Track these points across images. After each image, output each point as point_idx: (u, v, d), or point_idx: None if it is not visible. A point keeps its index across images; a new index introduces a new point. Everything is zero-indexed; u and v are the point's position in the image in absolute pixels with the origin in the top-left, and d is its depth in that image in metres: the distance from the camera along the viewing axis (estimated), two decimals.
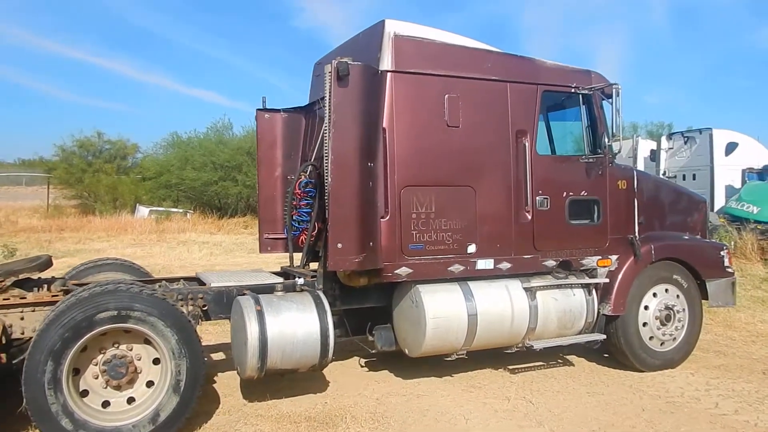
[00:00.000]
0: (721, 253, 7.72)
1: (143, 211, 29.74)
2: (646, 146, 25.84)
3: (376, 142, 6.03)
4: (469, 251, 6.45)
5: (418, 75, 6.27)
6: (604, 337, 7.02)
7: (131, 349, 5.29)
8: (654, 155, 24.95)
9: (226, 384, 6.73)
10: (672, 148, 24.11)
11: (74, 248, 20.83)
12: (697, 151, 22.99)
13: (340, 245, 5.74)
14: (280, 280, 6.54)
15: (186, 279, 6.95)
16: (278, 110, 7.79)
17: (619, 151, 7.07)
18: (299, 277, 6.44)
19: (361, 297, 6.64)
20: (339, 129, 5.70)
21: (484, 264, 6.54)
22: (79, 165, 33.18)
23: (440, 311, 6.26)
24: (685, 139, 23.65)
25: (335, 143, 5.71)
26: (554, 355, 7.66)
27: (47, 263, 6.21)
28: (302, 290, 6.14)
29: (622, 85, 6.68)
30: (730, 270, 7.77)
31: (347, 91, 5.72)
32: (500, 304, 6.53)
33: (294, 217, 6.97)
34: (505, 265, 6.63)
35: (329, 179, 5.73)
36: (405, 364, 6.95)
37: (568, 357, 7.81)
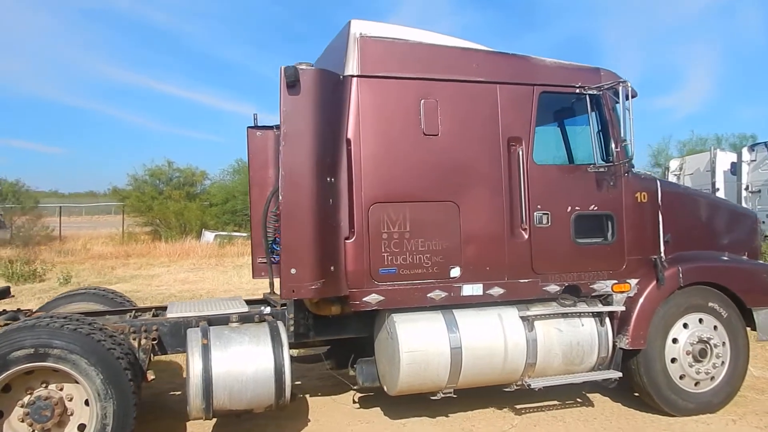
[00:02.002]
0: None
1: (208, 236, 30.28)
2: (725, 159, 23.94)
3: (339, 154, 5.41)
4: (452, 275, 5.67)
5: (389, 79, 5.61)
6: (620, 375, 6.01)
7: (62, 389, 4.85)
8: (734, 168, 23.03)
9: (200, 425, 6.20)
10: (755, 160, 22.13)
11: (132, 274, 21.17)
12: None
13: (293, 271, 5.13)
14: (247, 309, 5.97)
15: (159, 308, 6.51)
16: (271, 127, 7.27)
17: (631, 158, 6.08)
18: (265, 306, 5.86)
19: (338, 327, 5.99)
20: (291, 141, 5.13)
21: (472, 290, 5.73)
22: (149, 193, 34.24)
23: (417, 344, 5.50)
24: None
25: (286, 157, 5.13)
26: (573, 392, 6.68)
27: (4, 293, 5.93)
28: (261, 321, 5.54)
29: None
30: None
31: (299, 99, 5.15)
32: (490, 336, 5.70)
33: (275, 239, 6.41)
34: (496, 291, 5.79)
35: (280, 197, 5.15)
36: (398, 399, 6.15)
37: (589, 395, 6.81)
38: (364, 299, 5.46)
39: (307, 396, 7.08)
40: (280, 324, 5.45)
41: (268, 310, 5.79)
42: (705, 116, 75.22)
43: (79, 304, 6.65)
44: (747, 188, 21.73)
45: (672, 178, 23.99)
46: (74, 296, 6.85)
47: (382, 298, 5.50)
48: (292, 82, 5.07)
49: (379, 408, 6.52)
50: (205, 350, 5.05)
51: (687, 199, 6.75)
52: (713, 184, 22.88)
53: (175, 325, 5.59)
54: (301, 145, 5.15)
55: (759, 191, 21.45)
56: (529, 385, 5.78)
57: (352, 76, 5.52)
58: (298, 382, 7.69)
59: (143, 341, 5.40)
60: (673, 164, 24.72)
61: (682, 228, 6.55)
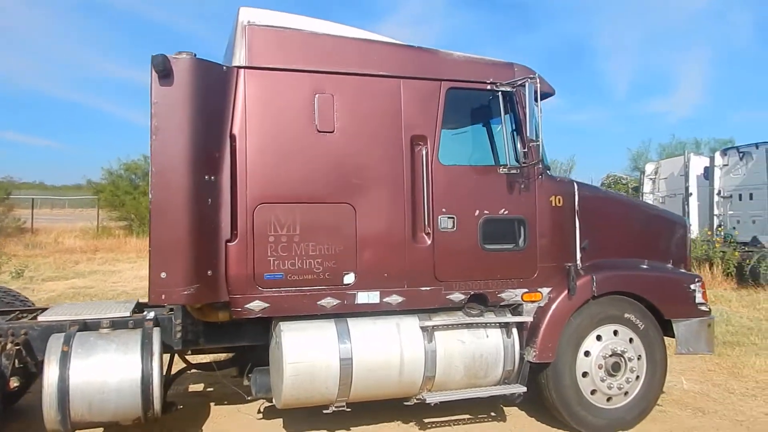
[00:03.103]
0: (692, 286, 6.23)
1: None
2: (699, 163, 23.62)
3: (220, 151, 5.05)
4: (345, 282, 5.32)
5: (280, 71, 5.25)
6: (524, 389, 5.68)
7: None
8: (707, 173, 22.79)
9: None
10: (727, 165, 21.87)
11: (93, 269, 20.73)
12: (753, 168, 20.71)
13: (163, 275, 4.78)
14: (132, 313, 5.60)
15: (45, 310, 6.11)
16: None
17: (542, 160, 5.74)
18: (149, 311, 5.50)
19: (232, 334, 5.64)
20: (162, 136, 4.78)
21: (367, 297, 5.39)
22: (124, 188, 33.71)
23: (302, 355, 5.15)
24: (741, 154, 21.36)
25: (157, 153, 4.78)
26: (489, 405, 6.33)
27: None
28: (137, 327, 5.18)
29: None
30: (704, 308, 6.27)
31: (172, 91, 4.80)
32: (384, 347, 5.35)
33: None
34: (395, 299, 5.45)
35: (150, 195, 4.79)
36: (302, 410, 5.72)
37: (506, 408, 6.48)
38: (246, 306, 5.11)
39: (212, 404, 6.74)
40: (155, 331, 5.09)
41: (152, 314, 5.42)
42: (697, 120, 75.06)
43: None
44: (719, 193, 21.47)
45: (648, 182, 23.72)
46: None
47: (266, 305, 5.14)
48: (163, 72, 4.72)
49: (281, 419, 6.18)
50: (64, 358, 4.69)
51: (609, 204, 6.43)
52: (686, 188, 22.60)
53: (46, 329, 5.21)
54: (174, 140, 4.79)
55: (730, 196, 21.20)
56: (424, 400, 5.44)
57: (239, 67, 5.16)
58: (210, 389, 7.36)
59: (8, 346, 5.03)
60: (649, 168, 24.42)
61: (603, 234, 6.22)
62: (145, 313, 5.48)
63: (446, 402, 5.59)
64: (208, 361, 6.55)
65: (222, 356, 6.84)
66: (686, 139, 40.47)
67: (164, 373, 5.91)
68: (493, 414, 6.33)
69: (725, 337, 10.02)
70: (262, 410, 6.46)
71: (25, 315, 5.89)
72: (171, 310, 5.56)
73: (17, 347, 5.04)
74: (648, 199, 22.43)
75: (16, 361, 5.05)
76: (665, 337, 6.21)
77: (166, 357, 6.03)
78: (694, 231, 20.05)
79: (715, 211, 21.29)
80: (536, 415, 6.30)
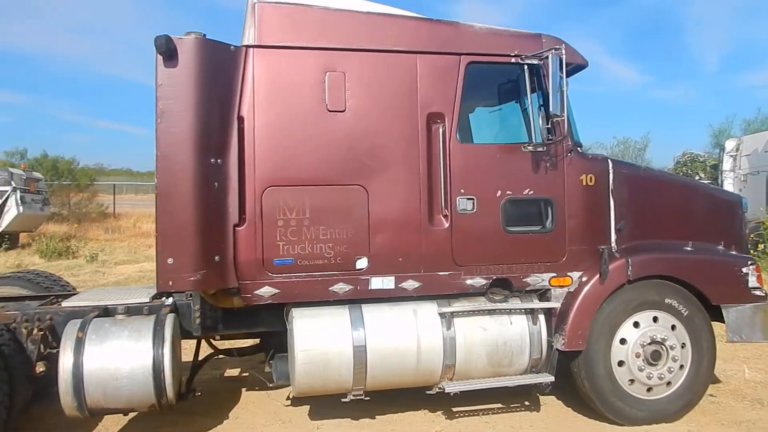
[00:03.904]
0: (744, 269, 5.69)
1: None
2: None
3: (228, 133, 4.96)
4: (358, 267, 5.16)
5: (289, 49, 5.09)
6: (552, 379, 5.36)
7: None
8: None
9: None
10: None
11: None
12: None
13: (170, 260, 4.76)
14: (159, 300, 5.63)
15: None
16: None
17: (564, 137, 5.34)
18: (168, 297, 5.51)
19: (250, 320, 5.60)
20: (167, 118, 4.73)
21: (382, 283, 5.20)
22: None
23: (314, 342, 5.04)
24: None
25: (162, 136, 4.74)
26: (523, 394, 6.04)
27: None
28: (151, 313, 5.20)
29: None
30: (758, 293, 5.72)
31: (177, 73, 4.74)
32: (400, 334, 5.17)
33: None
34: (411, 285, 5.24)
35: (155, 179, 4.76)
36: (328, 399, 5.61)
37: (543, 397, 6.16)
38: (256, 292, 5.03)
39: (244, 390, 6.75)
40: (169, 317, 5.09)
41: (170, 301, 5.43)
42: None
43: (3, 288, 6.48)
44: None
45: (727, 160, 22.18)
46: (2, 279, 6.69)
47: (276, 291, 5.05)
48: (167, 53, 4.65)
49: (308, 407, 6.10)
50: (79, 344, 4.76)
51: (650, 183, 5.93)
52: None
53: (70, 314, 5.30)
54: (180, 122, 4.73)
55: None
56: (443, 390, 5.22)
57: (247, 46, 5.04)
58: (246, 374, 7.39)
59: (34, 331, 5.16)
60: (729, 145, 22.78)
61: (643, 215, 5.78)
62: (163, 299, 5.50)
63: (473, 391, 5.35)
64: (240, 346, 6.53)
65: (250, 342, 6.83)
66: None
67: (192, 359, 6.04)
68: (527, 403, 6.03)
69: None
70: (290, 397, 6.41)
71: (60, 300, 6.04)
72: (190, 296, 5.55)
73: (41, 332, 5.16)
74: (728, 177, 21.01)
75: (41, 346, 5.18)
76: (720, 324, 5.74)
77: (193, 343, 6.12)
78: None
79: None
80: (573, 405, 5.96)
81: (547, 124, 5.25)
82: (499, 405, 5.97)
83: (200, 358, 6.14)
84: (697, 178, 25.65)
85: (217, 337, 6.13)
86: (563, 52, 5.15)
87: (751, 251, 15.74)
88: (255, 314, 5.51)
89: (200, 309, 5.47)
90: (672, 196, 5.99)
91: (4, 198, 20.58)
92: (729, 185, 20.60)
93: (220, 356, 6.40)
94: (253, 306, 5.23)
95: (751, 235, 16.03)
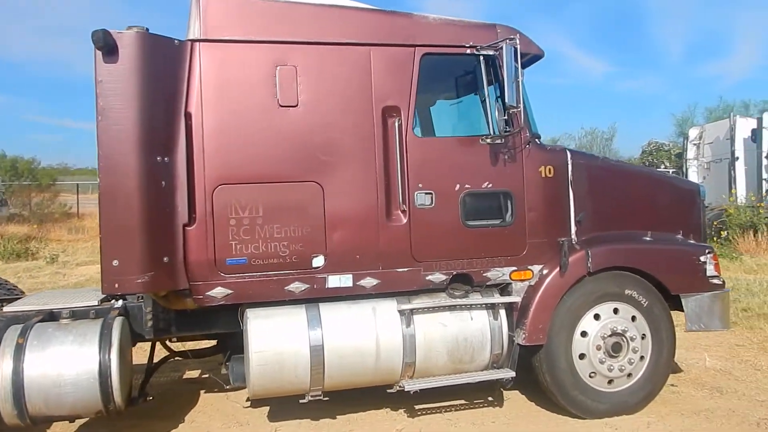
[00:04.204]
0: (702, 258, 5.71)
1: None
2: (746, 125, 22.26)
3: (175, 131, 4.77)
4: (314, 265, 5.02)
5: (237, 43, 4.93)
6: (512, 374, 5.30)
7: None
8: (755, 135, 21.51)
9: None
10: None
11: None
12: None
13: (115, 262, 4.57)
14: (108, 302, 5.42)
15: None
16: None
17: (521, 129, 5.26)
18: (118, 299, 5.31)
19: (206, 322, 5.43)
20: (108, 116, 4.53)
21: (339, 281, 5.08)
22: None
23: (269, 343, 4.90)
24: None
25: (103, 135, 4.54)
26: (487, 390, 5.98)
27: None
28: (98, 316, 5.00)
29: None
30: (716, 281, 5.75)
31: (117, 69, 4.53)
32: (358, 333, 5.05)
33: None
34: (369, 282, 5.13)
35: (98, 180, 4.57)
36: (288, 399, 5.46)
37: (507, 393, 6.08)
38: (208, 293, 4.86)
39: (203, 392, 6.58)
40: (117, 321, 4.89)
41: (119, 303, 5.24)
42: (752, 82, 70.44)
43: None
44: None
45: (691, 148, 22.49)
46: None
47: (229, 291, 4.89)
48: (105, 48, 4.45)
49: (267, 408, 5.96)
50: (19, 350, 4.55)
51: (608, 173, 5.91)
52: (733, 152, 21.41)
53: (11, 319, 5.05)
54: (121, 120, 4.54)
55: None
56: (403, 388, 5.13)
57: (193, 40, 4.86)
58: (206, 376, 7.21)
59: None
60: (693, 133, 23.12)
61: (603, 206, 5.76)
62: (113, 302, 5.30)
63: (434, 389, 5.27)
64: (196, 348, 6.35)
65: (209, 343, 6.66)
66: (734, 102, 38.39)
67: (147, 362, 5.86)
68: (490, 399, 5.97)
69: (762, 309, 9.38)
70: (249, 398, 6.26)
71: (2, 304, 5.79)
72: (141, 298, 5.36)
73: None
74: (692, 165, 21.33)
75: None
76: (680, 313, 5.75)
77: (148, 345, 5.93)
78: (741, 196, 19.03)
79: (764, 176, 20.02)
80: (536, 399, 5.91)
81: (504, 116, 5.15)
82: (462, 401, 5.90)
83: (156, 360, 5.96)
84: (662, 166, 26.03)
85: (174, 339, 5.96)
86: (518, 42, 5.07)
87: (714, 238, 15.98)
88: (210, 316, 5.35)
89: (152, 311, 5.28)
90: (630, 186, 5.99)
91: None
92: (693, 173, 20.91)
93: (180, 358, 6.23)
94: (207, 307, 5.07)
95: (715, 222, 16.29)
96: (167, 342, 5.97)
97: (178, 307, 5.14)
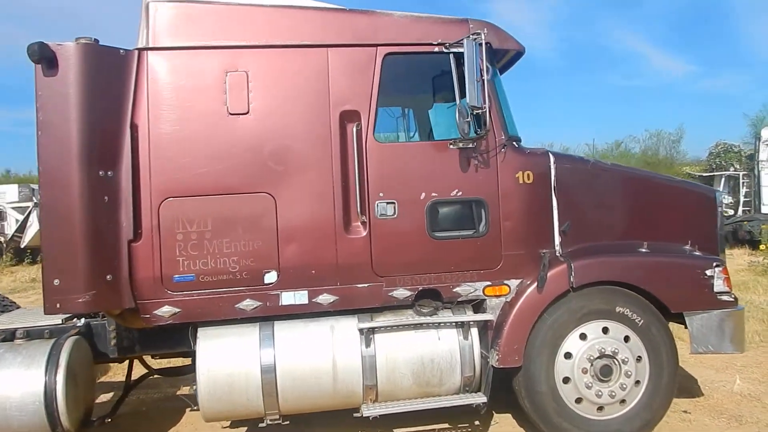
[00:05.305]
0: (708, 272, 5.06)
1: None
2: None
3: (119, 143, 4.62)
4: (267, 281, 4.76)
5: (185, 50, 4.74)
6: (484, 400, 4.85)
7: None
8: None
9: None
10: None
11: None
12: None
13: (57, 281, 4.44)
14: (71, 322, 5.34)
15: None
16: None
17: (488, 131, 4.78)
18: (80, 318, 5.22)
19: (172, 339, 5.23)
20: (48, 131, 4.42)
21: (293, 298, 4.80)
22: None
23: (218, 364, 4.68)
24: None
25: (44, 150, 4.43)
26: (473, 411, 5.52)
27: None
28: (52, 336, 4.90)
29: None
30: (726, 298, 5.09)
31: (57, 82, 4.42)
32: (314, 354, 4.75)
33: None
34: (326, 299, 4.82)
35: (39, 196, 4.47)
36: (248, 420, 5.31)
37: (498, 414, 5.66)
38: (155, 312, 4.68)
39: (188, 410, 6.41)
40: (69, 341, 4.77)
41: (81, 322, 5.15)
42: None
43: None
44: None
45: (764, 149, 20.83)
46: None
47: (177, 310, 4.69)
48: (43, 61, 4.35)
49: (246, 427, 5.75)
50: None
51: (599, 177, 5.34)
52: None
53: None
54: (62, 134, 4.42)
55: None
56: (361, 414, 4.78)
57: (140, 49, 4.70)
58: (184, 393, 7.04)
59: None
60: (765, 133, 21.44)
61: (593, 214, 5.25)
62: (75, 320, 5.21)
63: (417, 412, 4.90)
64: (175, 366, 6.21)
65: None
66: None
67: (125, 379, 5.76)
68: (476, 423, 5.54)
69: None
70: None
71: None
72: (104, 316, 5.25)
73: None
74: (765, 167, 19.77)
75: None
76: None
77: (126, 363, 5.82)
78: None
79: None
80: (526, 424, 5.41)
81: (467, 118, 4.71)
82: (446, 425, 5.50)
83: (135, 378, 5.85)
84: (731, 169, 24.37)
85: (157, 357, 5.83)
86: (483, 37, 4.64)
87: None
88: (175, 334, 5.15)
89: (116, 330, 5.16)
90: (628, 192, 5.42)
91: (26, 213, 20.94)
92: (766, 175, 19.45)
93: (159, 376, 6.10)
94: (169, 326, 4.90)
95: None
96: (146, 360, 5.85)
97: (135, 325, 4.98)
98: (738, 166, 24.44)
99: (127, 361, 5.75)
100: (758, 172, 20.36)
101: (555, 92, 73.98)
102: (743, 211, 21.95)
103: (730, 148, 26.81)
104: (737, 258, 16.71)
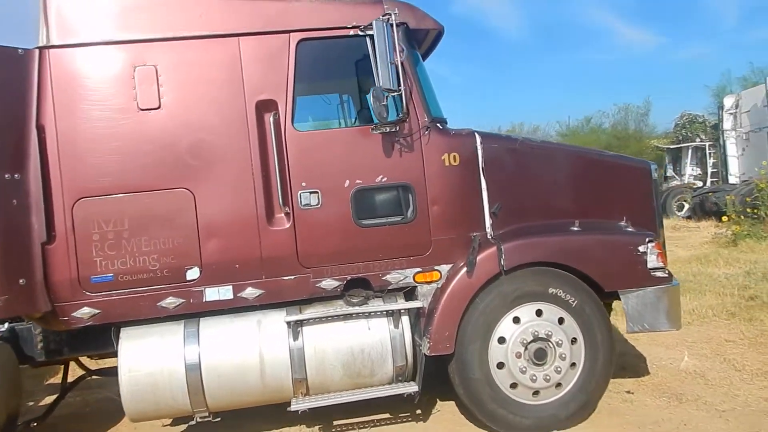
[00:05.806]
0: (641, 248, 4.96)
1: None
2: None
3: (25, 145, 4.47)
4: (189, 278, 4.65)
5: (91, 46, 4.60)
6: (416, 389, 4.77)
7: None
8: None
9: None
10: None
11: None
12: None
13: None
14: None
15: None
16: None
17: (406, 115, 4.66)
18: (3, 323, 5.10)
19: (99, 340, 5.09)
20: None
21: (218, 293, 4.69)
22: None
23: (140, 364, 4.59)
24: None
25: None
26: (419, 402, 5.44)
27: None
28: None
29: None
30: (661, 274, 5.00)
31: None
32: (239, 349, 4.66)
33: None
34: (252, 293, 4.72)
35: None
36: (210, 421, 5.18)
37: (443, 402, 5.58)
38: (74, 314, 4.58)
39: None
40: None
41: (4, 326, 5.03)
42: None
43: None
44: None
45: (728, 118, 20.63)
46: None
47: (97, 311, 4.59)
48: None
49: (168, 427, 5.67)
50: None
51: (529, 156, 5.21)
52: None
53: None
54: None
55: None
56: (290, 408, 4.70)
57: (41, 48, 4.55)
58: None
59: None
60: (728, 102, 21.13)
61: (524, 193, 5.14)
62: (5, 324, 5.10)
63: (357, 402, 4.82)
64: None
65: None
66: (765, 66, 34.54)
67: (62, 382, 5.67)
68: (418, 412, 5.45)
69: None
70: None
71: None
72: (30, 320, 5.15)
73: None
74: (729, 136, 19.65)
75: None
76: None
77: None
78: None
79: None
80: (467, 413, 5.32)
81: (383, 102, 4.57)
82: (387, 415, 5.42)
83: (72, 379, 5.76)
84: (697, 140, 24.27)
85: (96, 358, 5.73)
86: (394, 17, 4.51)
87: (742, 216, 14.42)
88: (103, 334, 5.03)
89: (42, 332, 5.04)
90: (559, 170, 5.29)
91: None
92: (732, 145, 19.35)
93: (98, 377, 6.00)
94: (101, 326, 4.80)
95: (748, 199, 14.86)
96: (82, 360, 5.75)
97: (60, 327, 4.87)
98: (704, 137, 24.29)
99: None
100: (723, 142, 20.25)
101: (528, 72, 73.07)
102: (711, 182, 21.89)
103: (695, 118, 26.53)
104: (703, 230, 16.67)
